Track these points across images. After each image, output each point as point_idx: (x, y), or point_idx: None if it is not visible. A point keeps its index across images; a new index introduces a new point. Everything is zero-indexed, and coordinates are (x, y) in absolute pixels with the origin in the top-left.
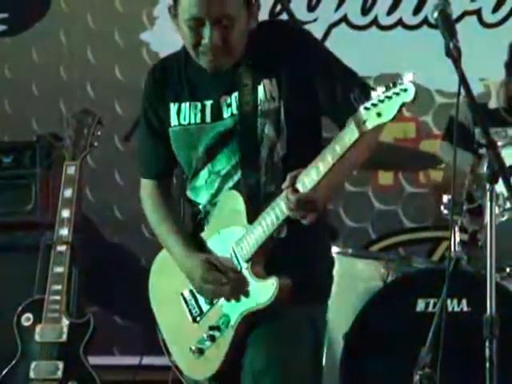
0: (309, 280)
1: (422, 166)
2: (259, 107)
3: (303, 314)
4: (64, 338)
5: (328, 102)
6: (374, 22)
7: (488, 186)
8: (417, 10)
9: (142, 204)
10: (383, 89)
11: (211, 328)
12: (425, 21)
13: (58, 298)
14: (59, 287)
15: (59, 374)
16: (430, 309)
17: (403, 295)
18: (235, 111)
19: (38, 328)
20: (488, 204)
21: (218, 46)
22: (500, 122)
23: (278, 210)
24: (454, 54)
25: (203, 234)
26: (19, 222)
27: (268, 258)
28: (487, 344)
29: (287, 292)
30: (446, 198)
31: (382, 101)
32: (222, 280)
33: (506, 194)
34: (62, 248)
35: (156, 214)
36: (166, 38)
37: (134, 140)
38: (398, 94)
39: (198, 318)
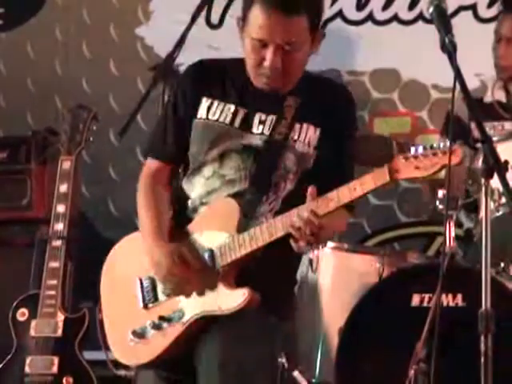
0: (276, 293)
1: None
2: (291, 142)
3: (261, 322)
4: (59, 332)
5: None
6: (370, 17)
7: (483, 181)
8: (412, 5)
9: (140, 183)
10: (428, 146)
11: (161, 318)
12: (420, 16)
13: (53, 292)
14: (54, 282)
15: (54, 368)
16: (425, 304)
17: (398, 290)
18: (266, 131)
19: (33, 323)
20: (483, 199)
21: (278, 70)
22: (495, 116)
23: (274, 228)
24: (449, 49)
25: (188, 227)
26: (14, 217)
27: (241, 271)
28: (482, 339)
29: (254, 305)
30: (441, 193)
31: (425, 155)
32: (188, 277)
33: (501, 189)
34: (57, 243)
35: (144, 195)
36: (161, 32)
37: (129, 135)
38: (445, 153)
39: (150, 305)
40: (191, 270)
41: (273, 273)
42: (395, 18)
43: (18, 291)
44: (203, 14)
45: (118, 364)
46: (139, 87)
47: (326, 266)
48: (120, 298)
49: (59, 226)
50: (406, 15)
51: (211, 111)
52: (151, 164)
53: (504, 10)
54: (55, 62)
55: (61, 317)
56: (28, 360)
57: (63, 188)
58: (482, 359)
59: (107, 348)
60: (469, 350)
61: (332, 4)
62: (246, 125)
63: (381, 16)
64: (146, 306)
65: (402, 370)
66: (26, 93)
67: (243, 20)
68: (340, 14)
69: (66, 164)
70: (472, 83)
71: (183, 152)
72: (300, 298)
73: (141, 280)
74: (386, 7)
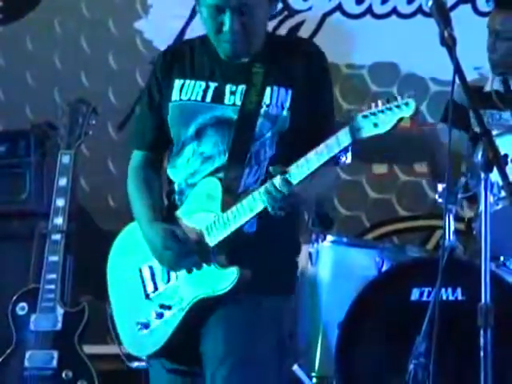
0: (272, 273)
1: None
2: (263, 108)
3: (264, 304)
4: (59, 326)
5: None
6: (369, 10)
7: (483, 174)
8: None
9: (128, 174)
10: (384, 101)
11: (162, 306)
12: (419, 9)
13: (52, 287)
14: (54, 276)
15: (54, 363)
16: (425, 298)
17: (398, 284)
18: (238, 102)
19: (32, 317)
20: (483, 193)
21: (239, 33)
22: (493, 106)
23: (254, 202)
24: (448, 43)
25: (177, 213)
26: (14, 211)
27: (233, 249)
28: (482, 333)
29: (246, 283)
30: (440, 187)
31: (381, 111)
32: (183, 249)
33: (500, 182)
34: (56, 237)
35: (135, 182)
36: (160, 26)
37: (128, 129)
38: (399, 106)
39: (152, 295)
40: (185, 248)
41: (271, 250)
42: (394, 11)
43: (17, 285)
44: None
45: (130, 356)
46: (138, 81)
47: (326, 260)
48: (125, 291)
49: (59, 220)
50: (405, 9)
51: (183, 91)
52: (136, 155)
53: (495, 6)
54: (54, 55)
55: (60, 311)
56: (27, 354)
57: (62, 182)
58: (482, 353)
59: (119, 342)
60: (468, 344)
61: None
62: (218, 98)
63: (380, 10)
64: (147, 296)
65: (402, 364)
66: (25, 86)
67: None
68: (339, 7)
69: (66, 158)
70: (471, 77)
71: (164, 138)
72: (299, 291)
73: (141, 270)
74: (385, 1)
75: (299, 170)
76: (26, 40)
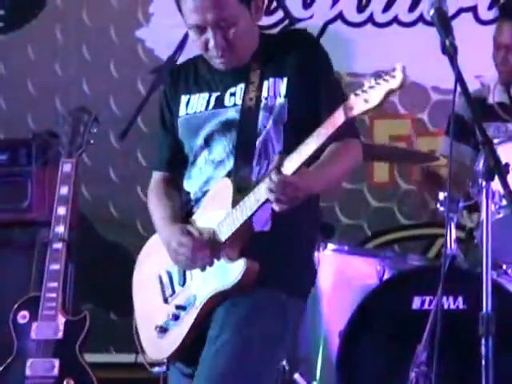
0: (283, 270)
1: (416, 162)
2: (263, 102)
3: (271, 296)
4: (60, 335)
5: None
6: (370, 19)
7: (484, 183)
8: (412, 7)
9: (148, 196)
10: (374, 77)
11: (177, 307)
12: (420, 18)
13: (54, 295)
14: (55, 284)
15: (55, 371)
16: (426, 306)
17: (399, 292)
18: (238, 101)
19: (34, 325)
20: (484, 201)
21: (224, 47)
22: (496, 118)
23: (259, 193)
24: (450, 51)
25: (192, 218)
26: (15, 220)
27: (245, 245)
28: (483, 341)
29: (254, 274)
30: (441, 195)
31: (371, 87)
32: (197, 244)
33: (502, 191)
34: (58, 245)
35: (154, 199)
36: (161, 34)
37: (130, 137)
38: (386, 80)
39: (170, 299)
40: (198, 242)
41: (282, 248)
42: (395, 20)
43: (18, 293)
44: None
45: (151, 363)
46: (140, 90)
47: (327, 269)
48: (146, 297)
49: (60, 229)
50: (407, 17)
51: (189, 106)
52: (155, 176)
53: (501, 16)
54: (56, 64)
55: (62, 319)
56: (29, 363)
57: (64, 190)
58: (483, 361)
59: (136, 351)
60: (469, 353)
61: (332, 6)
62: (219, 102)
63: (381, 18)
64: (166, 301)
65: (403, 373)
66: (26, 95)
67: (180, 12)
68: (340, 16)
69: (67, 167)
70: (472, 85)
71: (180, 156)
72: None
73: (160, 277)
74: (386, 9)
75: (297, 156)
76: (27, 49)
